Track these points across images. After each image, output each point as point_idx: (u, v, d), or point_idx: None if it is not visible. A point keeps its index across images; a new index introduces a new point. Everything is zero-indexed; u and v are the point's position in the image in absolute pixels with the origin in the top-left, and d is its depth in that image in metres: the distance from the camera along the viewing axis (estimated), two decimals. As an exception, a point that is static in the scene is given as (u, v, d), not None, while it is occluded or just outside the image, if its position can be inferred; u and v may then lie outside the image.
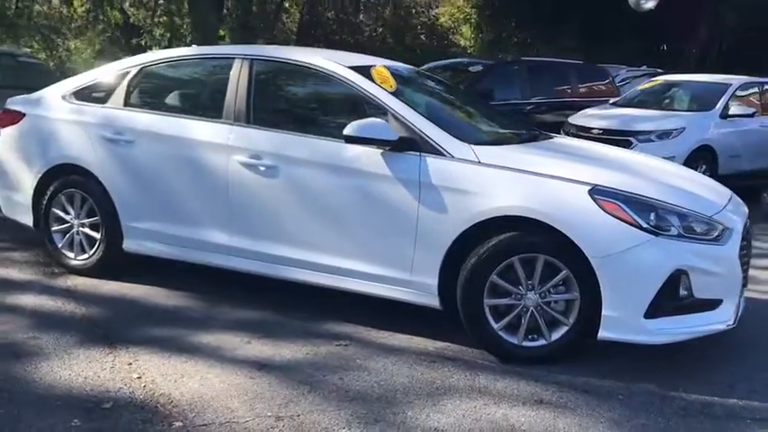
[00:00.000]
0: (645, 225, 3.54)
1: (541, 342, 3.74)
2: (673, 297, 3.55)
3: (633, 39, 21.90)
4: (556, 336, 3.72)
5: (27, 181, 5.06)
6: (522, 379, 3.57)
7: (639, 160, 4.62)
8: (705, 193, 4.10)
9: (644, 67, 15.00)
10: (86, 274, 4.88)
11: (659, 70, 16.05)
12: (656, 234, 3.54)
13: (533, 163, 3.84)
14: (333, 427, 3.05)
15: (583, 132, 8.81)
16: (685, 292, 3.56)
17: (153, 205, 4.64)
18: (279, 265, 4.29)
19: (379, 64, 4.56)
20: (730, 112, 9.25)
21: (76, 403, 3.14)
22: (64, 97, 5.07)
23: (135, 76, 4.89)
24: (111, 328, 4.05)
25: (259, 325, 4.16)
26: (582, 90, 11.48)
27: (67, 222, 4.95)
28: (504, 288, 3.73)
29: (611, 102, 10.48)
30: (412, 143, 3.94)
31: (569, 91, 11.27)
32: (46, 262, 5.12)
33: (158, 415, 3.08)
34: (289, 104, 4.81)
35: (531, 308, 3.71)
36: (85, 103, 4.97)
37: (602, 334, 3.59)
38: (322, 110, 4.68)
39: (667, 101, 10.14)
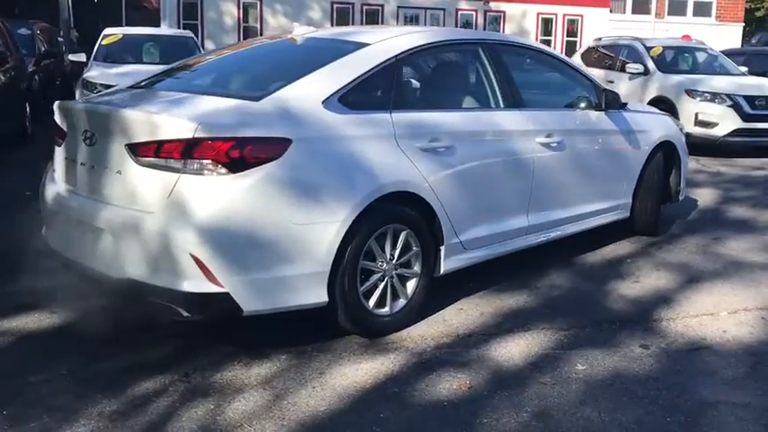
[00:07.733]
0: None
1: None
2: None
3: None
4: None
5: (321, 238, 3.41)
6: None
7: None
8: None
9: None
10: (398, 326, 3.85)
11: None
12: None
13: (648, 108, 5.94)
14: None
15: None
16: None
17: (474, 212, 4.20)
18: (556, 228, 4.86)
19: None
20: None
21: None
22: (328, 106, 3.55)
23: (397, 70, 3.96)
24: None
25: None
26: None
27: (376, 272, 3.73)
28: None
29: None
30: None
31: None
32: (332, 343, 3.66)
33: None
34: (538, 85, 4.94)
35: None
36: (363, 111, 3.73)
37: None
38: (560, 88, 5.09)
39: (144, 54, 10.51)
